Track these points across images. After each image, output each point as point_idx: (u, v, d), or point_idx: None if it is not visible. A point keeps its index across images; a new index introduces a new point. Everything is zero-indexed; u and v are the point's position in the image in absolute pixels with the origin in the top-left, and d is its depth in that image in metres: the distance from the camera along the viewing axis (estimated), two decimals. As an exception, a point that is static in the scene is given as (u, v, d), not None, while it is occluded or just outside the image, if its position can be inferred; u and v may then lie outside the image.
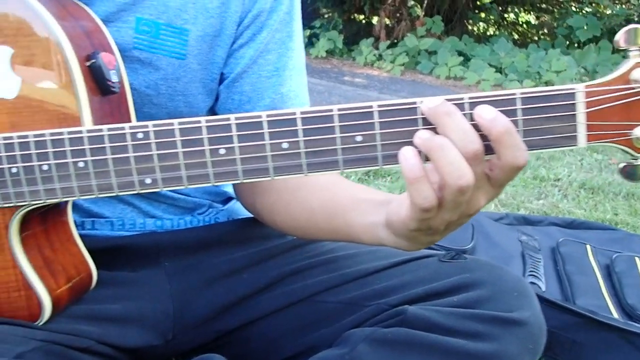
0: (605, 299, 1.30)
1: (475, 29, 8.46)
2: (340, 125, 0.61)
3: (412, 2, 6.61)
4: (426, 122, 0.59)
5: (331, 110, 0.61)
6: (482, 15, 8.70)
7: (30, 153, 0.68)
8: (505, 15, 8.90)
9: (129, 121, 0.77)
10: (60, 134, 0.67)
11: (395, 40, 6.47)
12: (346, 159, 0.62)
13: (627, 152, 0.60)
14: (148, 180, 0.67)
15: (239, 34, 0.87)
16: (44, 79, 0.68)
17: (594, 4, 7.61)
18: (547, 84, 5.21)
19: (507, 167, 0.57)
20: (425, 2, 6.91)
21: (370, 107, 0.60)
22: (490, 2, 8.27)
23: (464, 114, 0.58)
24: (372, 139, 0.61)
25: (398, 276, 0.87)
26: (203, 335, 0.94)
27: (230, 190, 1.07)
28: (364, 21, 6.88)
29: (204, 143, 0.65)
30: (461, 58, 5.69)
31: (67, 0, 0.74)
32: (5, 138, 0.68)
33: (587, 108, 0.57)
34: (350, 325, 0.86)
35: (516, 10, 8.99)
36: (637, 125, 0.58)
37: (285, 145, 0.63)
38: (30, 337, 0.71)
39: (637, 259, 1.47)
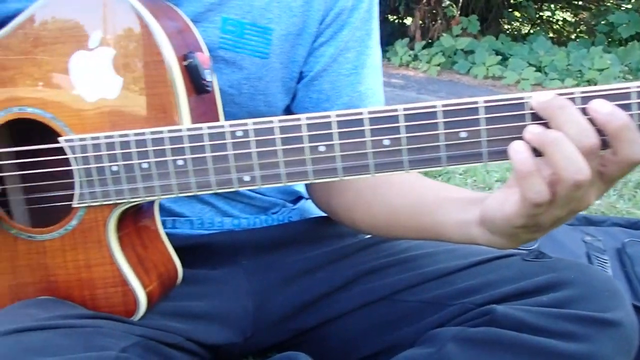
0: (678, 300, 1.27)
1: (510, 27, 8.35)
2: (444, 122, 0.61)
3: (447, 2, 6.55)
4: (535, 117, 0.59)
5: (435, 107, 0.61)
6: (517, 14, 8.58)
7: (130, 151, 0.69)
8: (541, 14, 8.76)
9: (218, 120, 0.78)
10: (161, 132, 0.68)
11: (430, 40, 6.42)
12: (450, 155, 0.62)
13: None
14: (247, 178, 0.68)
15: (320, 32, 0.87)
16: (144, 79, 0.70)
17: (633, 0, 7.44)
18: (589, 82, 5.11)
19: (623, 163, 0.56)
20: (461, 1, 6.84)
21: (476, 102, 0.60)
22: (527, 0, 8.16)
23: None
24: (478, 135, 0.60)
25: (481, 275, 0.86)
26: (281, 333, 0.95)
27: (300, 189, 1.07)
28: (397, 22, 6.84)
29: (304, 140, 0.65)
30: (499, 57, 5.61)
31: (160, 1, 0.76)
32: (106, 137, 0.69)
33: None
34: (433, 325, 0.85)
35: (552, 7, 8.84)
36: None
37: (386, 142, 0.63)
38: (129, 332, 0.72)
39: None
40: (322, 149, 0.65)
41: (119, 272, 0.75)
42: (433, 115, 0.61)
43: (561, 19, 8.97)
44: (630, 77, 5.20)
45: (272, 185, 0.67)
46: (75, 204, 0.73)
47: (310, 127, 0.65)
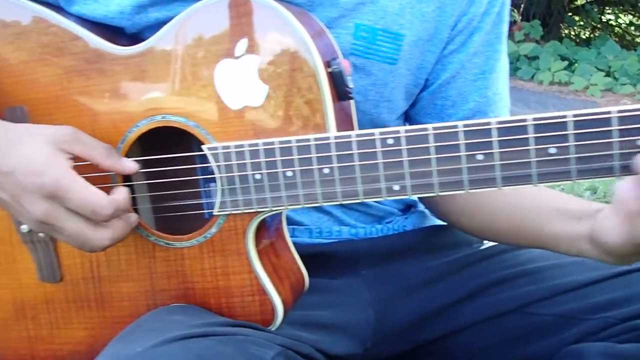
0: None
1: (571, 32, 8.14)
2: (619, 129, 0.58)
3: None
4: None
5: (609, 113, 0.58)
6: (577, 18, 8.36)
7: (275, 160, 0.69)
8: (603, 18, 8.52)
9: (354, 128, 0.77)
10: (307, 140, 0.67)
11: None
12: (624, 165, 0.58)
13: None
14: (396, 187, 0.66)
15: (451, 39, 0.85)
16: (290, 86, 0.69)
17: None
18: (663, 87, 4.92)
19: None
20: (522, 6, 6.70)
21: (655, 108, 0.57)
22: (590, 3, 7.94)
23: None
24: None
25: (620, 289, 0.82)
26: (401, 344, 0.93)
27: (413, 197, 1.05)
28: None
29: (461, 149, 0.63)
30: (565, 62, 5.46)
31: (295, 7, 0.75)
32: (250, 145, 0.69)
33: None
34: (571, 340, 0.82)
35: (616, 11, 8.58)
36: None
37: (552, 150, 0.60)
38: (272, 342, 0.71)
39: None
40: (480, 157, 0.62)
41: (257, 281, 0.74)
42: (607, 122, 0.58)
43: (624, 22, 8.70)
44: None
45: (423, 195, 0.66)
46: (216, 212, 0.73)
47: (467, 134, 0.62)
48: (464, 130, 0.62)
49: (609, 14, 8.61)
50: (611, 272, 0.84)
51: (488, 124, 0.62)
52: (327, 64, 0.70)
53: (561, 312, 0.84)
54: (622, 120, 0.57)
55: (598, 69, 5.35)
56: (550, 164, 0.60)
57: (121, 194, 0.70)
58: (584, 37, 8.07)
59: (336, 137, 0.67)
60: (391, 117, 0.90)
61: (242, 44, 0.70)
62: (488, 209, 0.86)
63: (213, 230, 0.75)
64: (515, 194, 0.83)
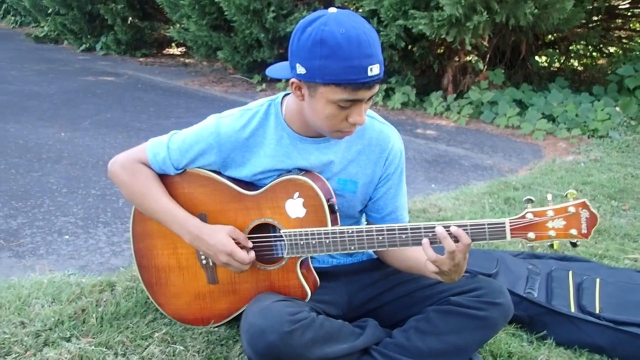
0: (570, 301, 2.35)
1: (538, 63, 9.11)
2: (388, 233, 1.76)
3: (476, 58, 7.63)
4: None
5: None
6: (544, 59, 9.50)
7: (309, 238, 1.86)
8: (571, 48, 9.47)
9: (338, 224, 1.94)
10: (327, 230, 1.85)
11: (462, 90, 7.47)
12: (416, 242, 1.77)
13: (524, 240, 1.70)
14: (352, 248, 1.84)
15: (379, 182, 2.03)
16: (313, 210, 1.86)
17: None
18: (593, 132, 6.08)
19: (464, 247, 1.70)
20: (488, 56, 7.86)
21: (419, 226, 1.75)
22: (554, 39, 8.96)
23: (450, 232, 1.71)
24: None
25: (445, 284, 2.00)
26: (359, 311, 2.10)
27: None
28: (432, 76, 7.86)
29: (373, 236, 1.81)
30: (518, 109, 6.63)
31: (313, 173, 1.92)
32: (300, 232, 1.86)
33: (511, 227, 1.68)
34: (426, 305, 1.99)
35: (579, 45, 9.57)
36: (530, 231, 1.69)
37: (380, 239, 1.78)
38: (305, 305, 1.88)
39: (597, 279, 2.50)
40: (380, 238, 1.80)
41: (300, 282, 1.92)
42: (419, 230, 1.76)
43: (590, 54, 9.62)
44: (634, 123, 6.16)
45: (362, 250, 1.83)
46: (285, 255, 1.90)
47: (377, 231, 1.80)
48: (375, 229, 1.80)
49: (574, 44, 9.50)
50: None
51: (378, 230, 1.79)
52: (327, 200, 1.88)
53: (425, 295, 2.02)
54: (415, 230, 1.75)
55: (544, 114, 6.52)
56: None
57: (252, 254, 1.88)
58: (553, 69, 9.08)
59: (332, 230, 1.84)
60: (355, 213, 2.08)
61: (296, 194, 1.87)
62: (401, 258, 2.01)
63: (283, 262, 1.92)
64: (409, 254, 1.98)
